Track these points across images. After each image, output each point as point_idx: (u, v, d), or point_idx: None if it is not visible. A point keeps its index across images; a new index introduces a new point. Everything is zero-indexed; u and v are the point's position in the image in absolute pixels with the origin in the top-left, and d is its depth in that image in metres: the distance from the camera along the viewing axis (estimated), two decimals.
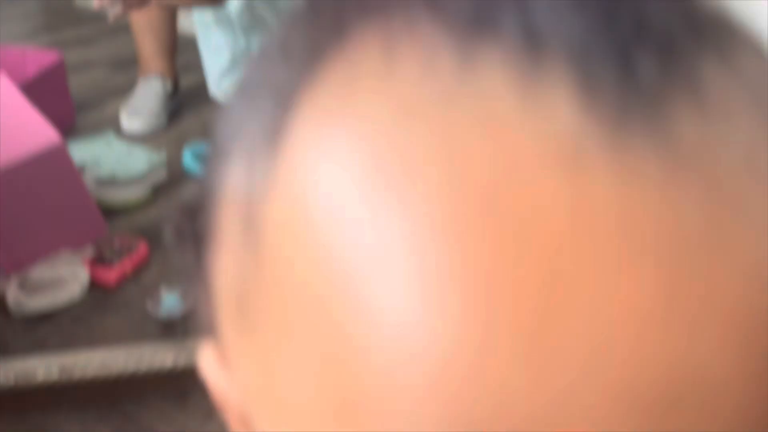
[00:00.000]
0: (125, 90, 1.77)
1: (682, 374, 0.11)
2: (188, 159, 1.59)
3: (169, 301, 1.17)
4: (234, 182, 0.15)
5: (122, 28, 1.81)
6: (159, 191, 1.51)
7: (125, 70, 1.90)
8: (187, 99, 1.81)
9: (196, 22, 1.59)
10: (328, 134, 0.13)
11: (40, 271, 1.20)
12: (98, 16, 1.86)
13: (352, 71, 0.13)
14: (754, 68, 0.13)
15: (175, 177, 1.56)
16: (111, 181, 1.44)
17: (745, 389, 0.12)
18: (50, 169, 1.15)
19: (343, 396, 0.13)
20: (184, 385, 1.04)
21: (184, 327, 1.14)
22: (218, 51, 1.44)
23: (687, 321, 0.11)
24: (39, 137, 1.14)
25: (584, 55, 0.12)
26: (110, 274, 1.25)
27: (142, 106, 1.71)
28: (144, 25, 1.64)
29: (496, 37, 0.12)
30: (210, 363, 0.20)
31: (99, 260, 1.26)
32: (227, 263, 0.16)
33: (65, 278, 1.21)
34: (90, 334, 1.14)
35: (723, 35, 0.13)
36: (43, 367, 0.94)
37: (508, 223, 0.11)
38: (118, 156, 1.52)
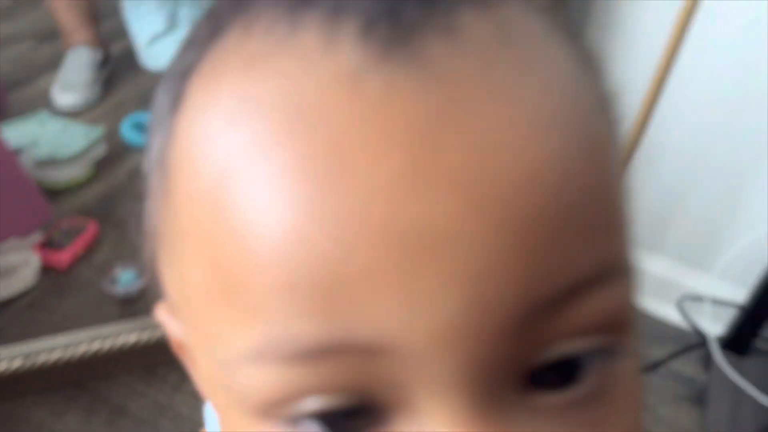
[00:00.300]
0: (54, 63, 1.72)
1: (426, 223, 0.16)
2: (127, 130, 1.57)
3: (125, 278, 1.18)
4: (156, 145, 0.21)
5: None
6: (101, 166, 1.50)
7: (52, 42, 1.83)
8: (118, 67, 1.77)
9: None
10: (199, 102, 0.19)
11: None
12: None
13: (222, 52, 0.19)
14: (508, 11, 0.18)
15: (115, 150, 1.54)
16: (51, 162, 1.41)
17: (473, 237, 0.16)
18: None
19: (223, 274, 0.18)
20: (149, 360, 1.07)
21: (142, 302, 1.16)
22: (147, 17, 1.40)
23: (427, 185, 0.16)
24: None
25: (368, 15, 0.17)
26: (62, 257, 1.24)
27: (73, 79, 1.67)
28: None
29: (314, 11, 0.18)
30: (164, 315, 0.26)
31: (49, 244, 1.26)
32: (154, 207, 0.22)
33: (16, 266, 1.20)
34: (49, 318, 1.14)
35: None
36: (6, 357, 0.95)
37: (315, 126, 0.17)
38: (54, 135, 1.48)
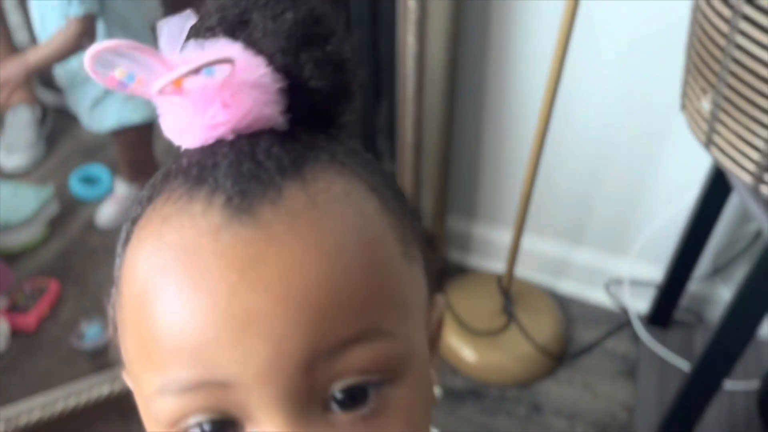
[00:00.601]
0: None
1: (250, 310, 0.27)
2: (75, 184, 1.62)
3: (92, 332, 1.24)
4: (115, 266, 0.33)
5: None
6: (55, 223, 1.54)
7: None
8: (57, 121, 1.82)
9: None
10: (136, 252, 0.30)
11: None
12: None
13: (151, 211, 0.30)
14: (319, 183, 0.29)
15: (66, 205, 1.59)
16: (5, 227, 1.46)
17: (275, 317, 0.27)
18: None
19: (143, 345, 0.29)
20: (124, 407, 1.14)
21: (109, 353, 1.22)
22: (88, 82, 1.45)
23: (252, 290, 0.27)
24: None
25: (230, 193, 0.28)
26: (29, 320, 1.30)
27: (16, 140, 1.71)
28: None
29: (200, 190, 0.29)
30: (125, 376, 0.36)
31: (14, 308, 1.31)
32: (112, 306, 0.33)
33: None
34: (23, 380, 1.20)
35: (309, 167, 0.30)
36: None
37: (192, 260, 0.28)
38: (5, 200, 1.53)
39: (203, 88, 0.29)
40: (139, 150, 1.38)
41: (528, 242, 1.31)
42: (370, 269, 0.29)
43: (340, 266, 0.28)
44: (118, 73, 0.29)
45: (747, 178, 0.70)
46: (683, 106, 0.82)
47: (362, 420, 0.29)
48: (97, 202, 1.58)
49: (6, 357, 1.25)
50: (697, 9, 0.74)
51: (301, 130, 0.31)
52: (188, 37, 0.30)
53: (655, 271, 1.27)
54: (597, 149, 1.20)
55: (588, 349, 1.28)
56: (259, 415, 0.28)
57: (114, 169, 1.61)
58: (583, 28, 1.02)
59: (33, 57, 1.20)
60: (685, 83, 0.80)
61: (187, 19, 0.30)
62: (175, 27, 0.29)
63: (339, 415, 0.29)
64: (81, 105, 1.31)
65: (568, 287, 1.37)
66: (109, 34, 1.23)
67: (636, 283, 1.29)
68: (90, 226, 1.56)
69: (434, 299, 0.36)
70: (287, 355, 0.27)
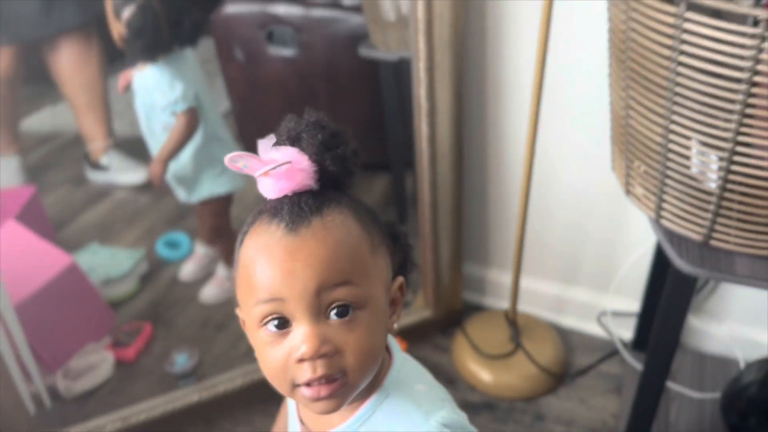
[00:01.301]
0: (89, 203, 2.15)
1: (292, 270, 0.59)
2: (161, 248, 1.98)
3: (181, 360, 1.56)
4: (236, 257, 0.65)
5: None
6: (145, 279, 1.89)
7: (84, 186, 2.26)
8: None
9: None
10: (248, 239, 0.63)
11: (75, 362, 1.58)
12: None
13: (251, 228, 0.63)
14: (329, 216, 0.61)
15: (154, 265, 1.94)
16: (106, 282, 1.81)
17: (303, 271, 0.59)
18: (69, 284, 1.54)
19: (248, 288, 0.62)
20: (209, 414, 1.44)
21: (196, 376, 1.54)
22: (188, 168, 1.81)
23: (294, 262, 0.59)
24: (55, 261, 1.53)
25: (286, 222, 0.60)
26: (129, 353, 1.63)
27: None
28: None
29: (274, 220, 0.61)
30: (239, 312, 0.67)
31: (117, 344, 1.64)
32: (236, 268, 0.65)
33: (96, 363, 1.59)
34: (127, 400, 1.51)
35: (326, 208, 0.62)
36: (109, 422, 1.32)
37: (271, 254, 0.60)
38: (105, 260, 1.89)
39: (278, 174, 0.62)
40: (220, 217, 1.74)
41: (531, 283, 1.59)
42: (349, 255, 0.61)
43: (334, 253, 0.60)
44: (240, 165, 0.62)
45: (651, 213, 1.00)
46: (612, 168, 1.12)
47: (345, 324, 0.60)
48: (178, 262, 1.93)
49: (112, 381, 1.58)
50: (610, 97, 1.05)
51: (325, 190, 0.63)
52: (273, 144, 0.63)
53: (635, 304, 1.54)
54: (579, 204, 1.50)
55: (584, 371, 1.53)
56: (297, 317, 0.60)
57: (192, 235, 1.97)
58: (550, 116, 1.34)
59: (163, 152, 1.59)
60: (612, 150, 1.11)
61: (270, 138, 0.63)
62: (264, 143, 0.63)
63: (333, 321, 0.60)
64: (182, 184, 1.67)
65: (568, 321, 1.64)
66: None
67: (618, 315, 1.56)
68: (174, 280, 1.90)
69: (396, 278, 0.68)
70: (308, 288, 0.59)
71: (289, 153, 0.60)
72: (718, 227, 0.93)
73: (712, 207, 0.92)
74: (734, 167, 0.87)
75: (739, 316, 1.48)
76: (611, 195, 1.46)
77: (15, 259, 1.49)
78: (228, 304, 1.78)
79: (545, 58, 1.19)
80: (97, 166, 2.19)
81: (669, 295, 1.02)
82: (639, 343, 1.52)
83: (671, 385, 1.43)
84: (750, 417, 1.29)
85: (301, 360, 0.59)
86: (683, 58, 0.82)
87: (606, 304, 1.59)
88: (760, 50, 0.75)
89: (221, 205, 1.73)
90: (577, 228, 1.53)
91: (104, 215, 2.17)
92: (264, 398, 1.49)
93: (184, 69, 1.59)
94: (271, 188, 0.61)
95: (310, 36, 2.04)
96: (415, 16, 1.23)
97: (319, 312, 0.59)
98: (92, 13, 1.89)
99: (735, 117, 0.82)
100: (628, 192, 1.05)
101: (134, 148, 2.12)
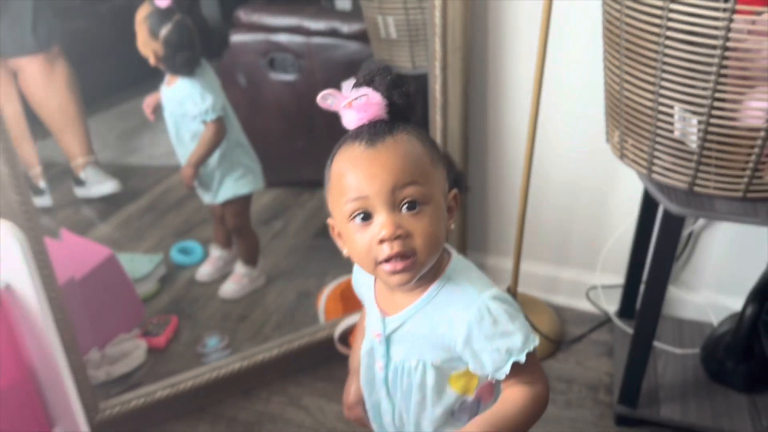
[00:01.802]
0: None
1: (374, 173, 0.77)
2: (175, 255, 2.11)
3: (212, 342, 1.69)
4: (327, 171, 0.84)
5: None
6: (164, 281, 2.02)
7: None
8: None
9: None
10: (337, 158, 0.81)
11: (110, 349, 1.69)
12: None
13: (339, 149, 0.81)
14: (398, 135, 0.80)
15: (169, 269, 2.07)
16: None
17: (382, 174, 0.77)
18: (108, 273, 1.66)
19: (340, 192, 0.80)
20: (247, 383, 1.57)
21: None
22: (215, 173, 1.96)
23: (375, 166, 0.77)
24: (97, 253, 1.66)
25: (366, 140, 0.79)
26: (160, 340, 1.75)
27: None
28: None
29: (356, 141, 0.79)
30: (330, 221, 0.86)
31: (147, 334, 1.76)
32: (326, 188, 0.85)
33: (131, 349, 1.70)
34: (159, 379, 1.63)
35: (396, 131, 0.80)
36: (159, 388, 1.45)
37: (356, 163, 0.79)
38: (125, 264, 2.00)
39: (357, 106, 0.80)
40: (241, 216, 1.90)
41: (526, 266, 1.79)
42: (416, 163, 0.78)
43: (404, 160, 0.77)
44: (329, 102, 0.80)
45: (643, 171, 1.21)
46: (607, 140, 1.35)
47: (413, 215, 0.77)
48: (192, 267, 2.06)
49: (145, 366, 1.69)
50: (604, 75, 1.27)
51: (394, 120, 0.79)
52: (352, 86, 0.81)
53: (619, 278, 1.75)
54: (568, 191, 1.72)
55: (578, 339, 1.73)
56: (377, 210, 0.77)
57: (203, 243, 2.11)
58: (548, 111, 1.57)
59: (193, 158, 1.76)
60: (606, 124, 1.33)
61: (351, 81, 0.81)
62: (346, 84, 0.81)
63: (405, 213, 0.77)
64: (208, 187, 1.83)
65: (559, 299, 1.84)
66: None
67: (607, 288, 1.77)
68: (192, 282, 2.03)
69: (451, 191, 0.84)
70: (385, 186, 0.76)
71: (366, 90, 0.78)
72: (700, 176, 1.15)
73: (694, 159, 1.14)
74: (712, 122, 1.09)
75: (711, 285, 1.70)
76: (595, 183, 1.69)
77: (61, 249, 1.61)
78: (247, 299, 1.93)
79: (545, 54, 1.42)
80: (78, 181, 2.30)
81: (660, 237, 1.23)
82: (625, 311, 1.72)
83: (656, 344, 1.63)
84: (726, 361, 1.50)
85: (381, 241, 0.77)
86: (670, 33, 1.05)
87: (593, 280, 1.79)
88: (731, 20, 0.99)
89: (242, 205, 1.89)
90: (566, 214, 1.75)
91: (111, 232, 2.29)
92: (297, 369, 1.64)
93: (211, 82, 1.78)
94: (352, 118, 0.79)
95: (310, 62, 2.24)
96: (432, 21, 1.45)
97: (394, 205, 0.77)
98: (47, 40, 1.97)
99: (712, 77, 1.05)
100: (622, 156, 1.27)
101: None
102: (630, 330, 1.67)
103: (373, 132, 0.78)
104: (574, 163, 1.68)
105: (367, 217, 0.78)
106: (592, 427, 1.50)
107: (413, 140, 0.79)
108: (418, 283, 0.84)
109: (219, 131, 1.76)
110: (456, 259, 0.87)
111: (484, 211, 1.83)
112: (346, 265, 1.74)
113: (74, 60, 2.02)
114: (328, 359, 1.65)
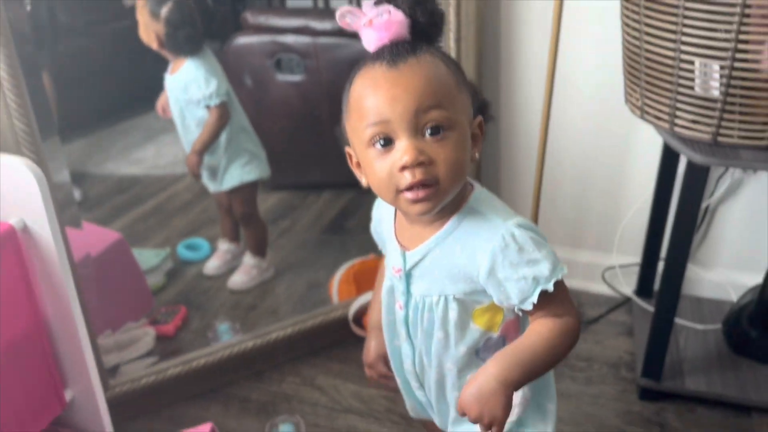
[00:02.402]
0: None
1: (396, 95, 0.74)
2: (182, 251, 2.08)
3: (222, 328, 1.65)
4: (345, 94, 0.80)
5: None
6: (171, 275, 1.98)
7: None
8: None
9: None
10: (356, 80, 0.78)
11: (119, 336, 1.65)
12: None
13: (359, 70, 0.78)
14: (422, 56, 0.76)
15: (177, 265, 2.04)
16: None
17: (405, 96, 0.74)
18: (118, 256, 1.64)
19: (360, 116, 0.76)
20: (259, 365, 1.53)
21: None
22: (221, 160, 1.94)
23: (397, 88, 0.74)
24: (107, 236, 1.63)
25: (388, 60, 0.75)
26: (169, 328, 1.71)
27: None
28: None
29: (376, 62, 0.76)
30: (348, 150, 0.83)
31: (155, 322, 1.72)
32: (343, 112, 0.81)
33: (139, 336, 1.66)
34: None
35: (419, 51, 0.76)
36: (171, 366, 1.41)
37: (376, 85, 0.75)
38: None
39: (378, 25, 0.78)
40: (249, 204, 1.88)
41: None
42: (440, 85, 0.74)
43: (428, 82, 0.73)
44: (347, 20, 0.78)
45: (665, 125, 1.21)
46: (626, 101, 1.34)
47: (437, 141, 0.74)
48: (200, 262, 2.03)
49: (154, 353, 1.65)
50: (622, 33, 1.28)
51: (417, 40, 0.75)
52: (373, 3, 0.79)
53: (635, 258, 1.73)
54: (582, 172, 1.71)
55: (596, 320, 1.70)
56: (399, 135, 0.73)
57: (210, 240, 2.09)
58: (559, 92, 1.57)
59: (198, 144, 1.75)
60: (625, 84, 1.33)
61: None
62: (367, 2, 0.78)
63: (428, 138, 0.74)
64: (214, 175, 1.81)
65: (574, 283, 1.81)
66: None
67: (624, 267, 1.75)
68: (199, 275, 1.99)
69: (476, 117, 0.80)
70: (408, 109, 0.72)
71: (387, 7, 0.75)
72: (723, 125, 1.14)
73: (717, 108, 1.14)
74: (736, 67, 1.09)
75: (728, 262, 1.68)
76: (610, 165, 1.68)
77: (77, 234, 1.58)
78: (257, 290, 1.89)
79: (559, 32, 1.42)
80: None
81: (684, 192, 1.22)
82: (643, 290, 1.70)
83: (677, 320, 1.60)
84: (750, 332, 1.47)
85: (403, 168, 0.74)
86: None
87: (609, 261, 1.77)
88: None
89: (249, 192, 1.87)
90: (581, 193, 1.73)
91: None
92: (310, 351, 1.61)
93: (215, 66, 1.77)
94: (372, 38, 0.75)
95: (316, 62, 2.25)
96: None
97: (416, 130, 0.73)
98: None
99: (735, 20, 1.05)
100: (643, 114, 1.27)
101: None
102: (650, 308, 1.65)
103: (395, 52, 0.74)
104: (586, 141, 1.67)
105: (387, 142, 0.75)
106: (615, 402, 1.47)
107: (438, 62, 0.75)
108: (439, 214, 0.81)
109: (223, 116, 1.75)
110: (479, 189, 0.84)
111: (496, 191, 1.81)
112: (357, 254, 1.72)
113: (75, 78, 2.03)
114: (342, 341, 1.62)
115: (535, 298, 0.77)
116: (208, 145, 1.76)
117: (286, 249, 2.11)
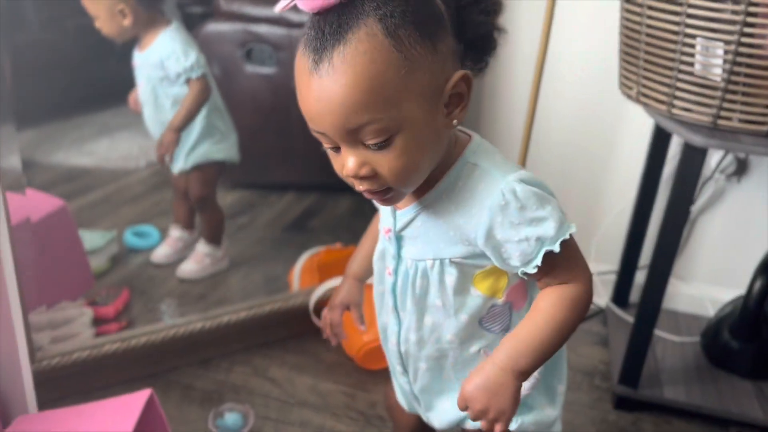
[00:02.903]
0: None
1: (317, 109, 0.62)
2: (129, 237, 1.94)
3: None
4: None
5: None
6: (116, 261, 1.83)
7: None
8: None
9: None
10: (295, 63, 0.64)
11: (53, 315, 1.49)
12: None
13: (298, 53, 0.63)
14: (360, 43, 0.60)
15: (122, 252, 1.89)
16: None
17: (328, 111, 0.62)
18: (60, 224, 1.49)
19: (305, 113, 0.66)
20: (206, 350, 1.39)
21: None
22: (190, 136, 1.81)
23: (317, 99, 0.62)
24: (49, 203, 1.48)
25: (313, 55, 0.61)
26: (109, 310, 1.56)
27: None
28: None
29: (305, 51, 0.62)
30: None
31: (94, 303, 1.57)
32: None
33: (74, 317, 1.50)
34: None
35: (350, 31, 0.60)
36: (108, 341, 1.26)
37: (305, 87, 0.63)
38: None
39: None
40: (208, 187, 1.75)
41: None
42: (371, 89, 0.60)
43: (353, 92, 0.59)
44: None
45: (663, 108, 1.15)
46: (620, 86, 1.28)
47: (381, 150, 0.63)
48: (147, 251, 1.88)
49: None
50: (621, 12, 1.22)
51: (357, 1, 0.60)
52: None
53: (611, 267, 1.66)
54: (562, 178, 1.64)
55: None
56: (340, 144, 0.64)
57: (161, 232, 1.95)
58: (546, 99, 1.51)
59: (176, 120, 1.62)
60: (620, 67, 1.27)
61: None
62: None
63: (371, 148, 0.63)
64: (180, 152, 1.68)
65: None
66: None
67: (600, 274, 1.67)
68: (146, 263, 1.84)
69: (456, 73, 0.64)
70: (335, 127, 0.61)
71: None
72: (725, 107, 1.09)
73: (719, 91, 1.08)
74: (741, 51, 1.04)
75: (706, 276, 1.63)
76: (591, 163, 1.62)
77: (17, 199, 1.44)
78: (207, 280, 1.76)
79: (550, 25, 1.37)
80: None
81: (680, 172, 1.15)
82: (618, 300, 1.62)
83: (654, 332, 1.53)
84: (731, 343, 1.40)
85: (347, 176, 0.66)
86: None
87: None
88: None
89: (211, 174, 1.75)
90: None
91: None
92: (264, 343, 1.48)
93: (190, 39, 1.66)
94: (306, 4, 0.61)
95: (290, 54, 2.16)
96: None
97: (356, 141, 0.63)
98: None
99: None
100: (639, 96, 1.21)
101: None
102: (627, 317, 1.57)
103: (320, 36, 0.60)
104: (567, 146, 1.61)
105: (335, 147, 0.66)
106: (590, 410, 1.37)
107: (374, 43, 0.60)
108: (431, 174, 0.70)
109: (205, 89, 1.64)
110: (477, 140, 0.73)
111: None
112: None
113: (34, 70, 1.94)
114: (301, 334, 1.49)
115: (539, 260, 0.68)
116: (188, 121, 1.64)
117: (243, 243, 1.98)
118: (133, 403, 0.94)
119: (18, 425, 0.95)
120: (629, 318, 1.56)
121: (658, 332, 1.52)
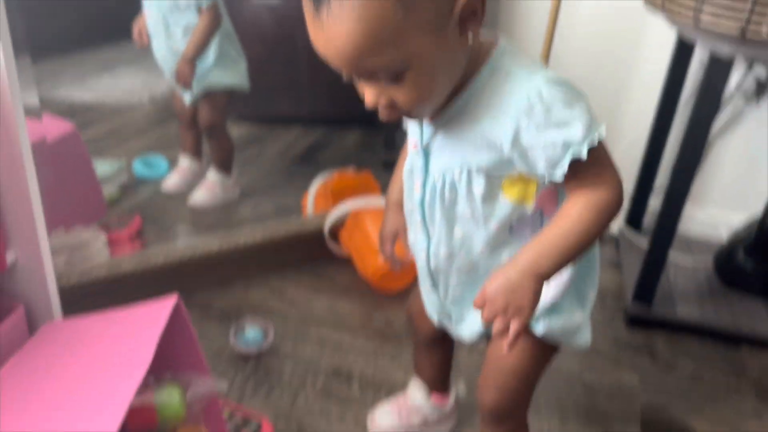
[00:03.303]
0: None
1: (324, 45, 0.63)
2: (138, 167, 1.92)
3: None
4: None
5: None
6: (126, 190, 1.82)
7: None
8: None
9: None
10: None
11: (67, 239, 1.49)
12: None
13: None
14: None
15: (131, 181, 1.88)
16: None
17: (335, 47, 0.62)
18: (71, 148, 1.47)
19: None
20: (223, 270, 1.40)
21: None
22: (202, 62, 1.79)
23: (324, 39, 0.62)
24: (61, 126, 1.47)
25: (313, 7, 0.62)
26: (122, 235, 1.56)
27: None
28: None
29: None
30: None
31: (108, 228, 1.57)
32: None
33: (89, 240, 1.50)
34: None
35: None
36: (125, 261, 1.26)
37: (311, 27, 0.63)
38: None
39: None
40: (218, 113, 1.73)
41: None
42: (372, 30, 0.60)
43: (354, 34, 0.60)
44: None
45: (689, 16, 1.13)
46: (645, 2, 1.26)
47: (394, 84, 0.64)
48: (156, 181, 1.87)
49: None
50: None
51: None
52: None
53: (628, 187, 1.66)
54: None
55: None
56: (357, 79, 0.66)
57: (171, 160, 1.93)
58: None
59: (189, 50, 1.59)
60: None
61: None
62: None
63: (385, 81, 0.64)
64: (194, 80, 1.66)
65: None
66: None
67: None
68: (156, 192, 1.83)
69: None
70: (344, 65, 0.62)
71: None
72: (754, 19, 1.07)
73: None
74: None
75: (719, 201, 1.63)
76: (606, 91, 1.61)
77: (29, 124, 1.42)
78: (219, 209, 1.75)
79: None
80: None
81: (703, 87, 1.14)
82: (632, 221, 1.63)
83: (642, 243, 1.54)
84: (746, 264, 1.41)
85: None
86: None
87: None
88: None
89: (222, 101, 1.73)
90: None
91: None
92: (280, 264, 1.48)
93: None
94: None
95: None
96: None
97: (368, 75, 0.64)
98: None
99: None
100: (663, 6, 1.18)
101: None
102: (640, 239, 1.58)
103: None
104: (587, 65, 1.59)
105: (350, 77, 0.67)
106: (604, 327, 1.39)
107: None
108: (456, 84, 0.69)
109: (216, 18, 1.61)
110: (502, 45, 0.71)
111: None
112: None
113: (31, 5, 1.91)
114: (316, 259, 1.50)
115: (565, 166, 0.66)
116: (201, 50, 1.61)
117: (252, 175, 1.97)
118: (160, 308, 0.94)
119: (44, 332, 0.96)
120: (642, 241, 1.56)
121: (671, 255, 1.53)
